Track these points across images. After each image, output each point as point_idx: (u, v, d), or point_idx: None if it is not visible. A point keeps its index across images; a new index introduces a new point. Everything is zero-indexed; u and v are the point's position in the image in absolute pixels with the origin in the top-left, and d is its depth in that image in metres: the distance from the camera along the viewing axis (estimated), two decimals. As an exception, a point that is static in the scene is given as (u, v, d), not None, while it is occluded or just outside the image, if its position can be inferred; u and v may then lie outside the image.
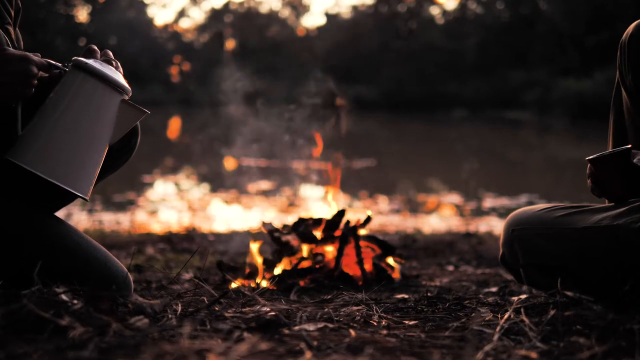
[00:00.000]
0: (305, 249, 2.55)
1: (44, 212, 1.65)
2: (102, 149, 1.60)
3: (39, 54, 1.55)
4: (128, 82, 1.63)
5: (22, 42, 1.79)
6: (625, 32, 1.71)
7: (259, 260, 2.56)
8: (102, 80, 1.55)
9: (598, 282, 1.57)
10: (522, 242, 1.73)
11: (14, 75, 1.49)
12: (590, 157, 1.60)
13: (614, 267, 1.54)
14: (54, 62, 1.59)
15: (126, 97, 1.59)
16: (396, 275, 2.56)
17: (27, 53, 1.52)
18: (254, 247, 2.58)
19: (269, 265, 2.53)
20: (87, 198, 1.59)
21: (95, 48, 1.63)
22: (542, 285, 1.72)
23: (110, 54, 1.63)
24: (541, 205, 1.77)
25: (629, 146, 1.58)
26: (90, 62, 1.57)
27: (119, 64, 1.63)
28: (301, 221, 2.65)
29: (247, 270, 2.55)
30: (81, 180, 1.57)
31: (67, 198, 1.88)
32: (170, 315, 1.35)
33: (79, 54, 1.61)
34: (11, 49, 1.53)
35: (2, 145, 1.57)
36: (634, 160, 1.56)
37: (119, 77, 1.59)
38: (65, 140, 1.55)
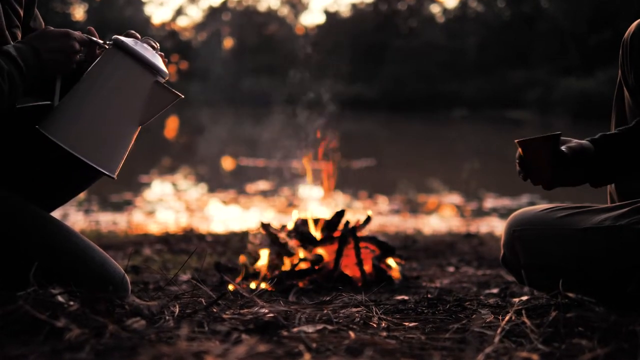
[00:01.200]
0: (304, 250, 2.55)
1: (43, 211, 1.65)
2: (132, 129, 1.62)
3: (79, 31, 1.61)
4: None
5: (42, 23, 1.82)
6: (628, 31, 1.71)
7: (257, 261, 2.56)
8: (137, 60, 1.58)
9: (600, 284, 1.57)
10: (523, 243, 1.73)
11: (57, 51, 1.56)
12: (520, 140, 1.61)
13: (616, 268, 1.54)
14: (94, 39, 1.63)
15: (161, 80, 1.61)
16: (396, 276, 2.56)
17: (69, 30, 1.58)
18: (264, 253, 2.58)
19: (268, 266, 2.53)
20: (115, 177, 1.61)
21: (133, 32, 1.68)
22: (544, 287, 1.72)
23: (152, 39, 1.67)
24: (542, 206, 1.77)
25: (559, 132, 1.60)
26: (129, 41, 1.60)
27: (158, 47, 1.67)
28: (300, 222, 2.65)
29: (244, 271, 2.55)
30: (109, 159, 1.60)
31: (64, 197, 1.88)
32: (167, 317, 1.35)
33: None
34: (52, 27, 1.60)
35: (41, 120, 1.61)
36: (562, 147, 1.58)
37: (156, 59, 1.62)
38: (96, 117, 1.58)
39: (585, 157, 1.60)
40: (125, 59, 1.58)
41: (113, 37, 1.62)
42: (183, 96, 1.63)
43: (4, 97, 1.52)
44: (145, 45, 1.62)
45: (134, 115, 1.60)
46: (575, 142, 1.62)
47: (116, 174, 1.62)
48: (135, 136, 1.64)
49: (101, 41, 1.64)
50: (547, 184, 1.63)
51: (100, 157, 1.57)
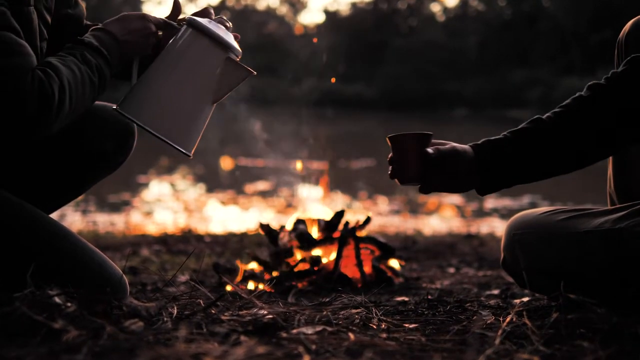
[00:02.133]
0: (303, 251, 2.55)
1: (40, 212, 1.64)
2: (207, 107, 1.67)
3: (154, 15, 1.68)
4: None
5: (84, 9, 1.86)
6: (623, 30, 1.71)
7: (256, 262, 2.56)
8: (210, 38, 1.63)
9: (601, 287, 1.56)
10: (523, 247, 1.73)
11: (135, 32, 1.64)
12: (390, 135, 1.59)
13: (616, 271, 1.54)
14: (169, 21, 1.70)
15: (233, 57, 1.65)
16: (396, 277, 2.56)
17: (145, 13, 1.66)
18: (263, 254, 2.58)
19: (267, 267, 2.53)
20: (191, 155, 1.66)
21: (211, 10, 1.74)
22: (545, 290, 1.72)
23: (225, 19, 1.73)
24: (543, 209, 1.77)
25: (430, 133, 1.58)
26: (202, 20, 1.65)
27: (230, 26, 1.72)
28: (299, 222, 2.65)
29: (243, 272, 2.54)
30: (185, 137, 1.65)
31: (61, 199, 1.88)
32: (165, 319, 1.35)
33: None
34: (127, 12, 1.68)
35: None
36: (428, 149, 1.55)
37: (228, 36, 1.66)
38: (171, 95, 1.63)
39: (456, 161, 1.56)
40: (198, 36, 1.63)
41: (187, 16, 1.68)
42: (255, 73, 1.67)
43: (95, 90, 1.57)
44: (218, 24, 1.68)
45: (207, 93, 1.66)
46: (450, 145, 1.58)
47: (192, 152, 1.67)
48: (209, 114, 1.69)
49: (175, 23, 1.70)
50: (420, 185, 1.59)
51: (176, 135, 1.63)
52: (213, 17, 1.72)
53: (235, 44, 1.67)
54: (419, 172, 1.57)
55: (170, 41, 1.68)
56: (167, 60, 1.65)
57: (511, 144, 1.57)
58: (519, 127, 1.60)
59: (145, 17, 1.67)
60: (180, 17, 1.74)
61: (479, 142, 1.60)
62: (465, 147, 1.60)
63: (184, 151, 1.65)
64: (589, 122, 1.56)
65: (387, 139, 1.59)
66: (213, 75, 1.64)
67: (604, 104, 1.55)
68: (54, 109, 1.46)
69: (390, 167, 1.60)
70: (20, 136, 1.49)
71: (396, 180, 1.61)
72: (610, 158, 1.80)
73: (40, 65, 1.49)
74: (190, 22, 1.65)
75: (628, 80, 1.53)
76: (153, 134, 1.60)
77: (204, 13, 1.73)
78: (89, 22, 1.87)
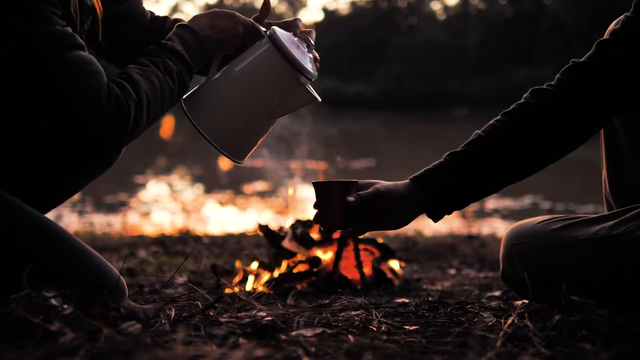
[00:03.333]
0: (302, 252, 2.55)
1: (37, 212, 1.64)
2: (267, 121, 1.68)
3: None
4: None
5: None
6: (607, 31, 1.70)
7: (255, 263, 2.56)
8: (284, 57, 1.62)
9: (601, 294, 1.56)
10: (521, 257, 1.73)
11: (222, 31, 1.65)
12: (314, 182, 1.63)
13: (616, 277, 1.54)
14: (257, 26, 1.69)
15: (303, 80, 1.64)
16: (396, 279, 2.56)
17: (235, 12, 1.67)
18: (262, 255, 2.58)
19: (266, 268, 2.53)
20: (242, 162, 1.69)
21: (299, 23, 1.72)
22: (546, 300, 1.72)
23: (313, 35, 1.71)
24: (539, 218, 1.77)
25: (356, 180, 1.61)
26: (284, 36, 1.64)
27: (313, 44, 1.69)
28: (298, 223, 2.65)
29: (242, 274, 2.55)
30: (237, 145, 1.67)
31: (56, 197, 1.87)
32: (163, 321, 1.35)
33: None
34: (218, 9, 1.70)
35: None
36: (349, 196, 1.57)
37: (304, 58, 1.65)
38: (233, 105, 1.64)
39: (378, 204, 1.58)
40: (274, 53, 1.62)
41: (272, 27, 1.66)
42: (320, 99, 1.66)
43: (174, 98, 1.59)
44: (299, 42, 1.67)
45: (270, 110, 1.66)
46: (373, 188, 1.60)
47: (244, 160, 1.70)
48: (268, 130, 1.71)
49: (263, 29, 1.69)
50: (335, 228, 1.64)
51: (228, 144, 1.65)
52: (300, 30, 1.70)
53: (310, 66, 1.65)
54: (340, 220, 1.61)
55: (250, 49, 1.67)
56: (239, 68, 1.65)
57: (455, 172, 1.60)
58: (463, 149, 1.63)
59: (235, 17, 1.67)
60: (269, 20, 1.73)
61: (418, 175, 1.62)
62: (398, 184, 1.62)
63: (233, 159, 1.67)
64: (547, 123, 1.61)
65: (313, 184, 1.64)
66: (279, 94, 1.65)
67: (568, 102, 1.60)
68: (130, 126, 1.48)
69: (315, 212, 1.64)
70: (93, 152, 1.56)
71: (320, 226, 1.65)
72: (604, 160, 1.81)
73: (119, 78, 1.50)
74: (271, 36, 1.63)
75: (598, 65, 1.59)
76: (205, 137, 1.62)
77: (290, 25, 1.71)
78: (156, 15, 1.85)
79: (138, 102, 1.49)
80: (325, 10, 42.20)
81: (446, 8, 39.78)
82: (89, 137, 1.48)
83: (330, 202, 1.60)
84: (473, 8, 38.34)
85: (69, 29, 1.46)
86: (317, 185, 1.62)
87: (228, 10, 1.69)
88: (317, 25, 38.13)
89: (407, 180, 1.62)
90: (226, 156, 1.66)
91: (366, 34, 35.05)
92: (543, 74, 28.19)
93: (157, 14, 1.88)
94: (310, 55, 1.68)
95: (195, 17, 1.67)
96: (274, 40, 1.63)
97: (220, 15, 1.67)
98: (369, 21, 37.02)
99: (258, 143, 1.72)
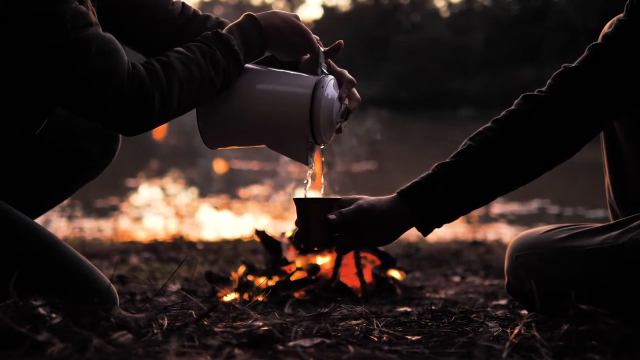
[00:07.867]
0: (300, 259, 2.55)
1: (26, 217, 1.64)
2: (258, 142, 1.70)
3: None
4: None
5: None
6: (602, 31, 1.71)
7: (251, 270, 2.56)
8: (312, 115, 1.59)
9: (609, 304, 1.56)
10: (527, 268, 1.74)
11: (291, 46, 1.64)
12: (295, 198, 1.64)
13: (623, 286, 1.54)
14: (320, 60, 1.66)
15: (311, 140, 1.63)
16: (398, 286, 2.56)
17: (309, 31, 1.65)
18: (258, 262, 2.58)
19: (262, 276, 2.53)
20: (209, 147, 1.70)
21: (348, 77, 1.69)
22: (553, 311, 1.72)
23: (354, 89, 1.70)
24: (544, 227, 1.78)
25: (338, 197, 1.62)
26: (330, 87, 1.62)
27: (344, 100, 1.66)
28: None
29: (237, 281, 2.54)
30: (218, 138, 1.67)
31: (47, 201, 1.88)
32: (155, 330, 1.35)
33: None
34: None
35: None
36: (331, 214, 1.58)
37: (327, 126, 1.62)
38: (241, 116, 1.63)
39: (361, 220, 1.59)
40: (307, 101, 1.59)
41: (325, 72, 1.65)
42: (311, 170, 1.66)
43: (215, 91, 1.57)
44: (340, 97, 1.65)
45: (269, 138, 1.67)
46: (356, 204, 1.60)
47: (212, 147, 1.69)
48: (258, 145, 1.71)
49: (323, 63, 1.67)
50: (315, 246, 1.64)
51: (211, 133, 1.66)
52: (345, 77, 1.68)
53: (325, 135, 1.64)
54: (322, 239, 1.62)
55: (294, 75, 1.66)
56: (271, 85, 1.64)
57: (444, 184, 1.61)
58: (452, 159, 1.63)
59: (308, 38, 1.65)
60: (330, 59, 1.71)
61: (405, 188, 1.62)
62: (382, 199, 1.62)
63: (207, 145, 1.68)
64: (540, 132, 1.62)
65: (294, 200, 1.65)
66: (283, 136, 1.65)
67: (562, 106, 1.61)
68: (152, 112, 1.47)
69: (296, 229, 1.65)
70: (120, 131, 1.58)
71: (301, 244, 1.66)
72: (606, 168, 1.82)
73: (155, 60, 1.49)
74: (318, 82, 1.61)
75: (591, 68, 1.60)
76: (197, 118, 1.63)
77: (340, 74, 1.69)
78: (198, 13, 1.84)
79: (167, 88, 1.47)
80: (324, 6, 42.30)
81: (450, 5, 39.86)
82: (107, 120, 1.48)
83: (311, 219, 1.60)
84: (478, 5, 38.39)
85: (83, 8, 1.44)
86: (298, 202, 1.63)
87: (304, 26, 1.65)
88: (315, 23, 38.18)
89: (394, 194, 1.63)
90: (202, 138, 1.66)
91: (367, 32, 35.08)
92: (550, 74, 28.14)
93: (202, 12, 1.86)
94: (342, 121, 1.67)
95: (272, 16, 1.64)
96: (315, 91, 1.60)
97: (295, 28, 1.63)
98: (370, 18, 37.06)
99: (239, 148, 1.74)
